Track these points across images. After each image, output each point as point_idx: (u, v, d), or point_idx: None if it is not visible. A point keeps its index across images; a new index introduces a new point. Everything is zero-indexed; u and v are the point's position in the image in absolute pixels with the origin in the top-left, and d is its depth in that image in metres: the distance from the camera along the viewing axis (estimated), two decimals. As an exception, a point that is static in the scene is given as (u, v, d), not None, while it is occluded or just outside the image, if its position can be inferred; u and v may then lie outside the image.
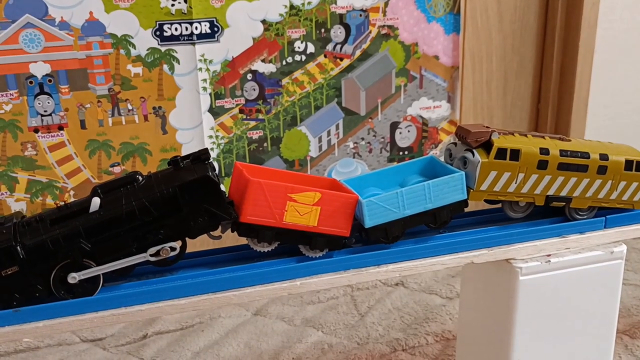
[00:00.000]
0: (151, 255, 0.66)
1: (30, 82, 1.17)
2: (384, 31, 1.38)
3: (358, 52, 1.38)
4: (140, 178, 0.67)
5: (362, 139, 1.45)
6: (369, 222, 0.70)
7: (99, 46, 1.19)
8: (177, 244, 0.66)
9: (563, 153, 0.76)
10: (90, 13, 1.17)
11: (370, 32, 1.37)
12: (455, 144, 0.80)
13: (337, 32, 1.35)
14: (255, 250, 0.71)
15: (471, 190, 0.75)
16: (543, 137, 0.79)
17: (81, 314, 0.64)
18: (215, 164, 1.33)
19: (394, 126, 1.47)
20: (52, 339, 1.19)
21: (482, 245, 0.75)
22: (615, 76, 1.59)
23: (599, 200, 0.79)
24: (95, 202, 0.65)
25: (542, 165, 0.76)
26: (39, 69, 1.17)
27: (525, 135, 0.78)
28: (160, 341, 1.18)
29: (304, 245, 0.71)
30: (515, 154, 0.75)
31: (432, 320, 1.21)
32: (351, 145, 1.44)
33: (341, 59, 1.37)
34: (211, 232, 0.69)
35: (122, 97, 1.23)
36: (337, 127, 1.42)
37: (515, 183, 0.76)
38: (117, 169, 1.27)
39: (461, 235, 0.76)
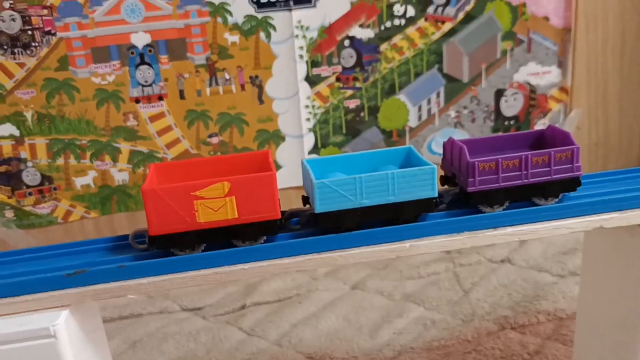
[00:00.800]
0: None
1: (132, 53, 1.18)
2: (489, -9, 1.29)
3: (461, 15, 1.30)
4: None
5: (465, 107, 1.37)
6: (319, 207, 0.62)
7: (196, 15, 1.19)
8: None
9: None
10: (188, -19, 1.17)
11: (474, -8, 1.29)
12: None
13: (439, -6, 1.27)
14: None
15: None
16: None
17: (184, 271, 0.62)
18: (311, 135, 1.30)
19: (499, 94, 1.38)
20: (154, 306, 1.20)
21: (614, 207, 0.67)
22: None
23: None
24: None
25: None
26: (140, 39, 1.18)
27: None
28: (258, 312, 1.17)
29: (234, 239, 0.64)
30: None
31: (542, 298, 1.13)
32: (453, 114, 1.37)
33: (443, 22, 1.30)
34: None
35: (220, 67, 1.22)
36: (438, 95, 1.35)
37: None
38: (214, 140, 1.27)
39: (588, 197, 0.68)
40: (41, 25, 1.14)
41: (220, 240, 0.63)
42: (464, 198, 0.66)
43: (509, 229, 0.66)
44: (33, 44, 1.15)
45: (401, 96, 1.33)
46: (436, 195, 0.64)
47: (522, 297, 1.14)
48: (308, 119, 1.29)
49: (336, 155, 0.70)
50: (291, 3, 1.21)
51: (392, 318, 1.11)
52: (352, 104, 1.31)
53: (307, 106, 1.28)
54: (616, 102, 1.45)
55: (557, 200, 0.67)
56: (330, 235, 0.63)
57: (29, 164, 1.21)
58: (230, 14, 1.20)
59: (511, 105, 1.39)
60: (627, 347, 0.73)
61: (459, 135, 1.39)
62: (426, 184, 0.64)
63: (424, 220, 0.66)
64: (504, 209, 0.66)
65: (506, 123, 1.40)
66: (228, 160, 0.68)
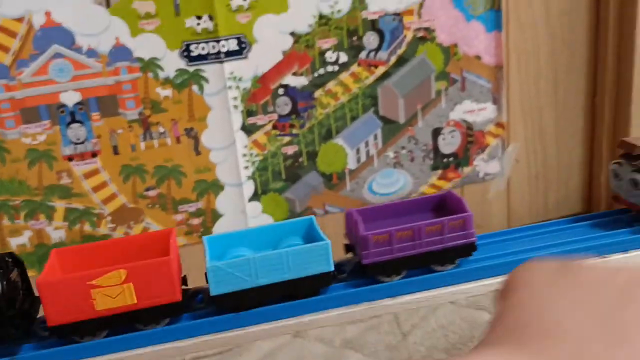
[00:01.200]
0: None
1: (62, 112, 1.18)
2: (420, 34, 1.32)
3: (393, 58, 1.32)
4: None
5: (403, 147, 1.39)
6: (214, 290, 0.65)
7: (127, 71, 1.19)
8: None
9: None
10: (117, 39, 1.16)
11: (405, 36, 1.31)
12: (619, 163, 0.73)
13: (370, 39, 1.29)
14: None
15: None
16: None
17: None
18: (251, 183, 1.31)
19: (437, 132, 1.40)
20: None
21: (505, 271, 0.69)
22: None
23: None
24: None
25: None
26: (70, 98, 1.18)
27: None
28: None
29: (136, 324, 0.65)
30: None
31: (478, 338, 1.15)
32: (391, 155, 1.39)
33: (376, 67, 1.31)
34: None
35: (153, 121, 1.22)
36: (376, 137, 1.36)
37: None
38: (152, 193, 1.26)
39: (484, 260, 0.70)
40: (-33, 89, 1.13)
41: (122, 326, 0.64)
42: (361, 269, 0.68)
43: (407, 297, 0.67)
44: (-41, 108, 1.13)
45: (339, 140, 1.34)
46: (332, 269, 0.66)
47: (459, 338, 1.15)
48: (246, 167, 1.30)
49: (239, 231, 0.71)
50: (222, 56, 1.21)
51: (331, 368, 1.12)
52: (290, 150, 1.32)
53: (244, 155, 1.29)
54: (553, 134, 1.48)
55: (453, 266, 0.68)
56: (228, 315, 0.64)
57: (-38, 227, 1.19)
58: (161, 68, 1.20)
59: (449, 143, 1.41)
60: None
61: (398, 175, 1.40)
62: (322, 259, 0.66)
63: (324, 293, 0.67)
64: (401, 278, 0.68)
65: (445, 160, 1.42)
66: (129, 243, 0.69)
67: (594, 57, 1.45)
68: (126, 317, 0.64)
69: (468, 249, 0.68)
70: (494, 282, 0.67)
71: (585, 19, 1.41)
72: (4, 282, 0.63)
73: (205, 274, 0.66)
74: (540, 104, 1.45)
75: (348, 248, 0.70)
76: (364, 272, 0.67)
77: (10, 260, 0.66)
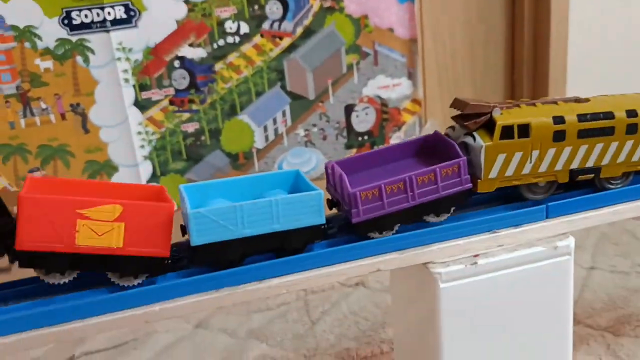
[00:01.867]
0: None
1: None
2: (327, 4, 1.24)
3: (300, 29, 1.24)
4: None
5: (314, 125, 1.31)
6: (196, 239, 0.56)
7: (-1, 40, 1.07)
8: None
9: (582, 118, 0.64)
10: (-14, 4, 1.05)
11: (311, 6, 1.23)
12: (453, 127, 0.67)
13: (273, 8, 1.21)
14: (48, 282, 0.57)
15: (478, 180, 0.62)
16: (555, 102, 0.67)
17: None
18: (148, 163, 1.21)
19: (349, 109, 1.33)
20: None
21: (392, 247, 0.62)
22: (594, 34, 1.43)
23: (634, 163, 0.68)
24: None
25: (559, 136, 0.64)
26: None
27: (534, 105, 0.65)
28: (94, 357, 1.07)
29: (111, 272, 0.57)
30: (525, 130, 0.63)
31: (389, 324, 1.08)
32: (302, 133, 1.31)
33: (281, 38, 1.23)
34: None
35: (34, 95, 1.11)
36: (284, 114, 1.29)
37: (530, 162, 0.64)
38: (37, 174, 1.15)
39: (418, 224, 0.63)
40: None
41: (95, 270, 0.55)
42: (351, 227, 0.60)
43: (275, 281, 0.60)
44: None
45: (244, 117, 1.25)
46: (324, 221, 0.59)
47: (370, 325, 1.09)
48: (142, 146, 1.20)
49: (217, 180, 0.63)
50: (108, 24, 1.11)
51: (233, 359, 1.04)
52: (191, 127, 1.23)
53: (139, 132, 1.19)
54: (471, 111, 1.43)
55: (449, 215, 0.62)
56: (209, 275, 0.56)
57: None
58: (40, 38, 1.09)
59: (363, 120, 1.35)
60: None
61: (310, 154, 1.33)
62: (313, 210, 0.58)
63: (312, 249, 0.59)
64: (394, 233, 0.60)
65: (360, 139, 1.35)
66: (118, 188, 0.59)
67: (511, 32, 1.41)
68: (103, 261, 0.55)
69: (464, 196, 0.61)
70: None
71: (500, -10, 1.36)
72: None
73: (182, 226, 0.57)
74: (457, 81, 1.39)
75: (332, 204, 0.62)
76: (353, 229, 0.59)
77: None
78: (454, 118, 0.68)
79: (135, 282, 0.56)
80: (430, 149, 0.66)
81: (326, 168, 0.66)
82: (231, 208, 0.57)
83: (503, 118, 0.62)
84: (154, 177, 1.23)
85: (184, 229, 0.59)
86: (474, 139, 0.63)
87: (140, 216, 0.55)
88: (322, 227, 0.59)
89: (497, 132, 0.62)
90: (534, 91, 1.42)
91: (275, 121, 1.28)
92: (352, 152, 1.36)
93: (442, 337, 0.63)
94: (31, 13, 1.07)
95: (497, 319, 0.64)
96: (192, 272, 0.58)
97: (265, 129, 1.28)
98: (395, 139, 1.39)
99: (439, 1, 1.32)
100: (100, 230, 0.55)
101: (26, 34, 1.08)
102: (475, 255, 0.63)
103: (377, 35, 1.30)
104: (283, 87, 1.26)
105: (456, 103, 0.66)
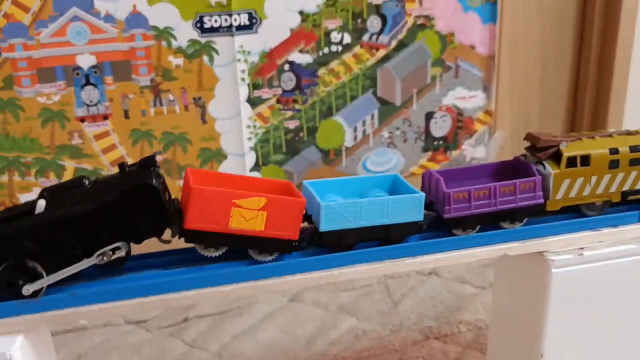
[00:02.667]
0: (97, 257, 0.66)
1: (77, 74, 1.22)
2: (420, 21, 1.39)
3: (394, 43, 1.39)
4: (87, 182, 0.68)
5: (397, 128, 1.46)
6: (324, 226, 0.71)
7: (141, 38, 1.23)
8: (121, 245, 0.66)
9: (633, 149, 0.78)
10: (134, 6, 1.21)
11: (406, 22, 1.38)
12: (525, 155, 0.81)
13: (374, 23, 1.36)
14: (203, 255, 0.71)
15: (547, 201, 0.77)
16: (610, 135, 0.81)
17: (130, 298, 0.67)
18: (253, 154, 1.37)
19: (429, 116, 1.48)
20: (98, 319, 1.24)
21: (515, 237, 0.77)
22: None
23: None
24: (41, 204, 0.66)
25: (614, 164, 0.78)
26: (85, 61, 1.21)
27: (593, 138, 0.80)
28: (201, 324, 1.22)
29: (252, 249, 0.71)
30: (586, 160, 0.77)
31: (464, 309, 1.23)
32: (386, 134, 1.46)
33: (377, 49, 1.38)
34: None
35: (164, 88, 1.27)
36: (372, 117, 1.44)
37: (590, 186, 0.78)
38: (158, 158, 1.31)
39: (495, 228, 0.78)
40: (-14, 46, 1.16)
41: (240, 247, 0.71)
42: (440, 223, 0.75)
43: (426, 257, 0.75)
44: (-23, 63, 1.16)
45: (338, 117, 1.40)
46: (422, 219, 0.74)
47: (446, 308, 1.23)
48: (249, 138, 1.36)
49: (331, 179, 0.79)
50: (233, 29, 1.27)
51: (326, 329, 1.19)
52: (292, 124, 1.38)
53: (248, 126, 1.35)
54: (537, 124, 1.57)
55: (522, 224, 0.77)
56: (333, 255, 0.71)
57: (-28, 180, 1.23)
58: (175, 38, 1.25)
59: (440, 127, 1.49)
60: (530, 356, 0.83)
61: (391, 154, 1.48)
62: (415, 209, 0.73)
63: (409, 241, 0.74)
64: (475, 232, 0.75)
65: (435, 143, 1.50)
66: (256, 182, 0.75)
67: (578, 54, 1.55)
68: (247, 240, 0.69)
69: (536, 210, 0.76)
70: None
71: (574, 16, 1.50)
72: (159, 177, 0.68)
73: (305, 214, 0.73)
74: (527, 94, 1.54)
75: (426, 206, 0.78)
76: (443, 225, 0.75)
77: (155, 161, 0.71)
78: (526, 149, 0.82)
79: (270, 258, 0.71)
80: (511, 170, 0.81)
81: (423, 175, 0.81)
82: (353, 203, 0.71)
83: (568, 150, 0.76)
84: (256, 166, 1.38)
85: (307, 217, 0.73)
86: (544, 167, 0.77)
87: (279, 207, 0.69)
88: (420, 223, 0.74)
89: (564, 162, 0.76)
90: (594, 112, 1.56)
91: (364, 123, 1.43)
92: (428, 154, 1.50)
93: (548, 319, 0.77)
94: (171, 16, 1.23)
95: (599, 305, 0.78)
96: (315, 252, 0.73)
97: (355, 129, 1.43)
98: (467, 145, 1.53)
99: (518, 23, 1.46)
100: (248, 216, 0.69)
101: (164, 34, 1.24)
102: (581, 248, 0.77)
103: (460, 51, 1.44)
104: (374, 93, 1.41)
105: (529, 137, 0.81)
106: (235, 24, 1.26)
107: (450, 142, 1.51)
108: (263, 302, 1.29)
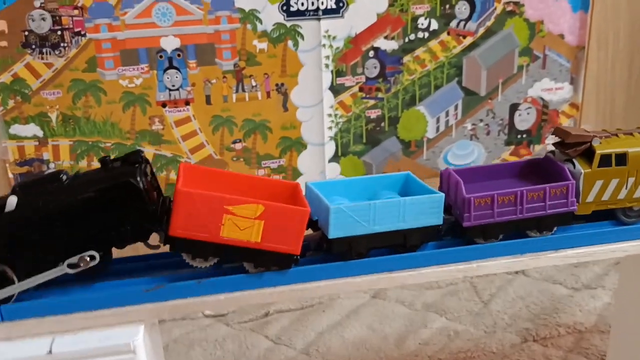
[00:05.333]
0: (69, 266, 0.59)
1: (160, 57, 1.18)
2: (509, 8, 1.32)
3: (482, 30, 1.33)
4: (65, 177, 0.61)
5: (481, 120, 1.40)
6: (333, 233, 0.62)
7: (227, 21, 1.19)
8: (95, 254, 0.59)
9: None
10: (221, -13, 1.16)
11: (495, 8, 1.32)
12: (553, 152, 0.73)
13: (462, 9, 1.30)
14: (193, 265, 0.63)
15: (577, 204, 0.69)
16: None
17: (256, 288, 0.63)
18: (332, 144, 1.32)
19: (514, 108, 1.41)
20: (223, 309, 1.18)
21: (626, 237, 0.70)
22: None
23: None
24: (11, 201, 0.59)
25: None
26: (169, 43, 1.17)
27: (631, 134, 0.71)
28: (282, 319, 1.17)
29: (247, 262, 0.63)
30: (622, 159, 0.68)
31: (561, 311, 1.17)
32: (469, 126, 1.40)
33: (464, 37, 1.32)
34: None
35: (247, 73, 1.23)
36: (456, 108, 1.37)
37: (626, 189, 0.69)
38: (238, 145, 1.27)
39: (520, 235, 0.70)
40: (71, 26, 1.12)
41: (234, 260, 0.62)
42: (460, 230, 0.67)
43: (570, 251, 0.68)
44: (62, 44, 1.13)
45: (421, 107, 1.35)
46: (442, 222, 0.65)
47: (541, 310, 1.17)
48: (330, 128, 1.30)
49: (336, 180, 0.70)
50: (320, 13, 1.22)
51: (416, 328, 1.13)
52: (374, 113, 1.32)
53: (329, 115, 1.30)
54: (622, 119, 1.50)
55: (551, 233, 0.68)
56: (344, 263, 0.63)
57: (52, 165, 1.19)
58: (260, 21, 1.20)
59: (524, 120, 1.43)
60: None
61: (473, 147, 1.42)
62: (434, 211, 0.64)
63: (427, 248, 0.66)
64: (497, 241, 0.67)
65: (519, 137, 1.44)
66: (257, 182, 0.67)
67: (669, 46, 1.47)
68: (241, 252, 0.60)
69: (568, 218, 0.68)
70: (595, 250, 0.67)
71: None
72: (144, 176, 0.61)
73: (310, 220, 0.65)
74: (614, 87, 1.46)
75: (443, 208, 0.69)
76: (462, 233, 0.67)
77: (142, 156, 0.63)
78: (555, 145, 0.73)
79: (269, 272, 0.62)
80: (541, 170, 0.72)
81: (442, 174, 0.72)
82: (366, 206, 0.62)
83: (602, 147, 0.67)
84: (335, 156, 1.33)
85: (312, 223, 0.64)
86: (574, 165, 0.68)
87: (278, 217, 0.60)
88: (440, 227, 0.66)
89: (596, 160, 0.67)
90: (686, 104, 1.48)
91: (447, 114, 1.37)
92: (511, 148, 1.44)
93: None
94: (258, -2, 1.18)
95: None
96: (324, 258, 0.65)
97: (438, 120, 1.37)
98: (550, 139, 1.46)
99: (609, 12, 1.39)
100: (243, 225, 0.60)
101: (250, 17, 1.19)
102: None
103: (548, 40, 1.37)
104: (459, 83, 1.35)
105: (558, 131, 0.72)
106: (322, 7, 1.21)
107: (533, 136, 1.44)
108: (345, 298, 1.24)
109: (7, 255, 0.59)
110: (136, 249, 0.64)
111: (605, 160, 0.68)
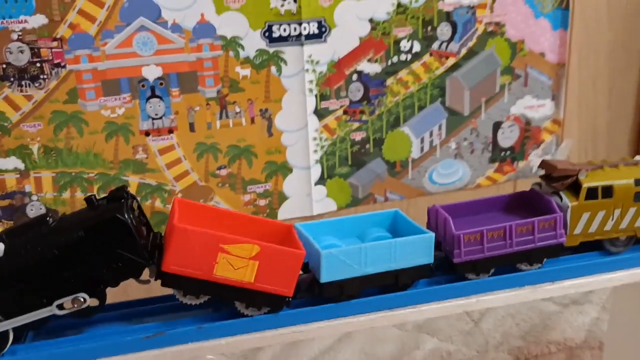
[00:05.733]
0: (58, 308, 0.59)
1: (143, 86, 1.17)
2: (490, 28, 1.34)
3: (464, 50, 1.34)
4: (51, 220, 0.61)
5: (465, 139, 1.41)
6: (325, 277, 0.62)
7: (209, 48, 1.18)
8: (86, 296, 0.60)
9: None
10: (202, 15, 1.16)
11: (476, 29, 1.33)
12: (539, 184, 0.75)
13: (444, 30, 1.31)
14: (183, 302, 0.63)
15: (565, 236, 0.70)
16: (636, 164, 0.73)
17: (262, 330, 0.62)
18: (318, 167, 1.31)
19: (497, 126, 1.42)
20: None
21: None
22: None
23: None
24: None
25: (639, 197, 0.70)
26: (151, 72, 1.17)
27: (616, 166, 0.73)
28: (274, 347, 1.17)
29: (239, 302, 0.63)
30: (608, 191, 0.70)
31: (550, 328, 1.17)
32: (453, 146, 1.40)
33: (446, 58, 1.33)
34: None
35: (230, 100, 1.22)
36: (440, 128, 1.38)
37: (612, 220, 0.71)
38: (223, 172, 1.26)
39: (630, 251, 0.71)
40: (50, 58, 1.11)
41: (225, 298, 0.62)
42: (451, 266, 0.68)
43: (566, 283, 0.69)
44: (42, 76, 1.12)
45: (405, 128, 1.35)
46: (432, 261, 0.66)
47: (531, 327, 1.18)
48: (315, 151, 1.30)
49: (325, 220, 0.71)
50: (302, 38, 1.22)
51: (408, 350, 1.13)
52: (358, 136, 1.33)
53: (314, 138, 1.29)
54: (605, 133, 1.52)
55: (540, 265, 0.69)
56: (336, 304, 0.63)
57: (34, 197, 1.17)
58: (243, 47, 1.20)
59: (507, 137, 1.44)
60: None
61: (458, 166, 1.42)
62: (425, 251, 0.65)
63: (419, 286, 0.67)
64: (489, 276, 0.68)
65: (502, 154, 1.45)
66: (249, 222, 0.66)
67: (648, 61, 1.49)
68: (233, 291, 0.60)
69: (556, 250, 0.68)
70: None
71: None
72: (131, 211, 0.60)
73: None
74: (596, 103, 1.48)
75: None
76: (452, 269, 0.67)
77: (127, 192, 0.62)
78: (541, 177, 0.74)
79: (258, 314, 0.62)
80: (528, 204, 0.73)
81: (429, 211, 0.73)
82: (357, 249, 0.63)
83: (588, 180, 0.69)
84: (321, 179, 1.33)
85: (303, 266, 0.63)
86: (561, 198, 0.70)
87: (273, 258, 0.60)
88: (431, 266, 0.67)
89: (583, 193, 0.69)
90: (666, 118, 1.50)
91: (431, 134, 1.38)
92: (495, 165, 1.45)
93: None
94: (239, 25, 1.18)
95: None
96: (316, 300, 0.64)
97: (422, 140, 1.38)
98: (534, 156, 1.47)
99: (589, 30, 1.41)
100: (237, 265, 0.60)
101: (232, 43, 1.19)
102: None
103: (529, 59, 1.39)
104: (442, 103, 1.36)
105: (544, 165, 0.73)
106: (304, 32, 1.22)
107: (517, 153, 1.46)
108: (336, 323, 1.23)
109: None
110: (126, 293, 0.63)
111: (592, 193, 0.69)
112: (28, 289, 0.59)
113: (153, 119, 1.19)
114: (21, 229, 0.61)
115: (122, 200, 0.61)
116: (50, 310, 0.59)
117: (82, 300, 0.59)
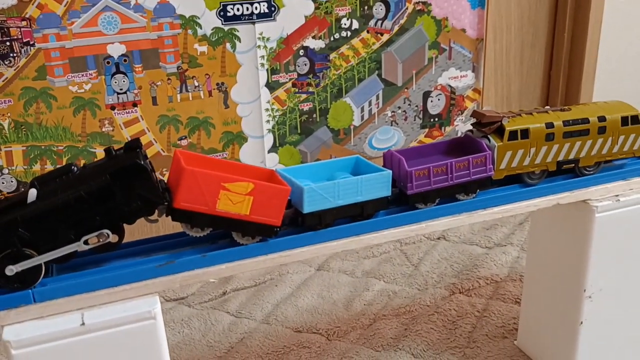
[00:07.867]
0: (85, 243, 0.68)
1: (108, 62, 1.25)
2: (419, 7, 1.50)
3: (396, 27, 1.49)
4: (75, 168, 0.70)
5: (399, 107, 1.57)
6: (307, 208, 0.75)
7: (169, 27, 1.28)
8: (105, 232, 0.69)
9: (566, 123, 0.88)
10: (162, -4, 1.25)
11: (407, 8, 1.49)
12: (471, 131, 0.91)
13: (379, 9, 1.46)
14: (189, 235, 0.74)
15: (494, 170, 0.86)
16: (546, 111, 0.90)
17: (256, 256, 0.75)
18: (271, 136, 1.44)
19: (426, 95, 1.60)
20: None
21: (564, 189, 0.89)
22: (620, 44, 1.75)
23: (603, 155, 0.91)
24: (32, 193, 0.67)
25: (550, 137, 0.87)
26: (116, 50, 1.25)
27: (531, 114, 0.89)
28: (240, 296, 1.29)
29: (236, 232, 0.74)
30: (525, 133, 0.86)
31: (479, 266, 1.36)
32: (389, 114, 1.56)
33: (382, 34, 1.48)
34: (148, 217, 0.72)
35: (190, 75, 1.32)
36: (377, 98, 1.54)
37: (529, 157, 0.87)
38: (184, 142, 1.36)
39: (544, 183, 0.89)
40: (20, 36, 1.18)
41: (225, 229, 0.73)
42: (404, 198, 0.83)
43: (496, 209, 0.85)
44: (11, 54, 1.18)
45: (347, 99, 1.50)
46: (390, 194, 0.81)
47: (463, 267, 1.36)
48: (268, 121, 1.43)
49: (300, 165, 0.84)
50: (254, 17, 1.33)
51: (359, 292, 1.29)
52: (306, 106, 1.46)
53: (267, 109, 1.42)
54: (517, 101, 1.73)
55: (475, 195, 0.85)
56: (311, 233, 0.77)
57: (5, 170, 1.24)
58: (200, 26, 1.30)
59: (435, 105, 1.62)
60: (570, 298, 0.96)
61: (394, 132, 1.59)
62: (384, 185, 0.80)
63: (379, 216, 0.82)
64: (435, 205, 0.84)
65: (432, 120, 1.62)
66: (240, 168, 0.79)
67: (552, 36, 1.71)
68: (232, 223, 0.71)
69: (487, 182, 0.85)
70: (555, 198, 0.85)
71: (549, 1, 1.66)
72: (146, 158, 0.70)
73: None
74: (509, 73, 1.68)
75: None
76: (406, 201, 0.82)
77: (140, 144, 0.71)
78: (473, 125, 0.92)
79: (252, 242, 0.74)
80: (463, 146, 0.91)
81: (385, 155, 0.89)
82: (332, 184, 0.77)
83: (510, 125, 0.85)
84: (274, 147, 1.46)
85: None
86: (489, 140, 0.86)
87: (265, 193, 0.72)
88: (389, 198, 0.82)
89: (506, 135, 0.84)
90: (567, 87, 1.73)
91: (370, 103, 1.53)
92: (425, 131, 1.63)
93: (591, 258, 0.90)
94: (197, 5, 1.28)
95: (633, 243, 0.92)
96: (299, 230, 0.76)
97: (362, 109, 1.53)
98: (459, 121, 1.66)
99: (501, 8, 1.60)
100: (235, 200, 0.71)
101: (190, 22, 1.29)
102: (616, 195, 0.91)
103: (453, 35, 1.57)
104: (379, 75, 1.52)
105: (475, 114, 0.90)
106: (256, 12, 1.33)
107: (444, 119, 1.64)
108: (294, 273, 1.37)
109: (32, 241, 0.67)
110: (132, 235, 0.74)
111: (513, 135, 0.85)
112: (59, 227, 0.67)
113: (118, 93, 1.28)
114: (50, 176, 0.70)
115: (138, 150, 0.71)
116: (78, 246, 0.68)
117: (106, 235, 0.69)
